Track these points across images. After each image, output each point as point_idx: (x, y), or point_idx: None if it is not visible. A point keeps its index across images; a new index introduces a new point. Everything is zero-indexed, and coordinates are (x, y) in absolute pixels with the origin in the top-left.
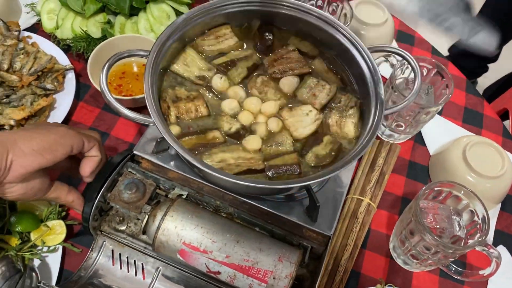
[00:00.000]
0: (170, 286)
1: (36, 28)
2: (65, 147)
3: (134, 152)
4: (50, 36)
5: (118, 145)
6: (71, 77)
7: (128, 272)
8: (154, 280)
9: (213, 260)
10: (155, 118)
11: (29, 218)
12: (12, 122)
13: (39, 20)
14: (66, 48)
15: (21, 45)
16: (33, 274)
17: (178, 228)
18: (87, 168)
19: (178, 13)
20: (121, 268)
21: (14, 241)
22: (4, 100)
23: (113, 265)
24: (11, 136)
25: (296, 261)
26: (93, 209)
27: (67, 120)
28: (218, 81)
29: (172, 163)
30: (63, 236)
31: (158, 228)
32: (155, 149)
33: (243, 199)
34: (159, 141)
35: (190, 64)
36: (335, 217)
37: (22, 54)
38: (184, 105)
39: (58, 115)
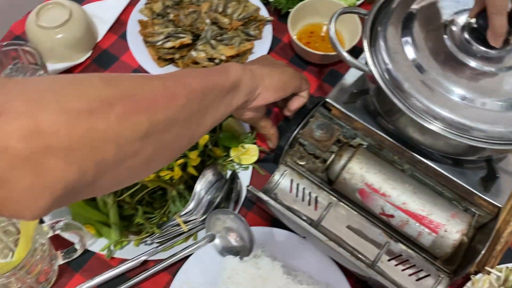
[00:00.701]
0: (338, 219)
1: None
2: (291, 87)
3: (327, 99)
4: None
5: None
6: (268, 28)
7: (303, 201)
8: (325, 212)
9: (390, 203)
10: (372, 67)
11: (232, 137)
12: (223, 57)
13: None
14: (265, 3)
15: None
16: (238, 180)
17: (363, 170)
18: (295, 105)
19: None
20: (296, 196)
21: (220, 153)
22: (218, 38)
23: (290, 192)
24: (260, 72)
25: (468, 221)
26: (290, 141)
27: None
28: None
29: (359, 114)
30: (255, 158)
31: (344, 166)
32: (345, 100)
33: (421, 158)
34: (355, 92)
35: None
36: (507, 192)
37: (234, 1)
38: None
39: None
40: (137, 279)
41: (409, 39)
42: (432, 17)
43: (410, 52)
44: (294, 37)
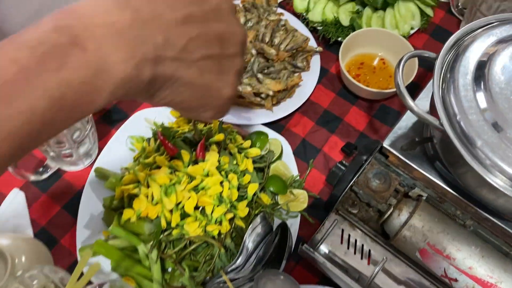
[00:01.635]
0: (393, 276)
1: (282, 5)
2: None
3: (384, 145)
4: (299, 17)
5: (349, 132)
6: (316, 58)
7: (355, 254)
8: (379, 268)
9: (454, 267)
10: (446, 125)
11: (279, 182)
12: (270, 93)
13: None
14: (311, 30)
15: (282, 22)
16: (288, 234)
17: (425, 228)
18: None
19: (422, 13)
20: (348, 249)
21: (268, 200)
22: (265, 71)
23: (341, 243)
24: (169, 70)
25: None
26: (344, 192)
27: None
28: None
29: (419, 163)
30: (304, 205)
31: (405, 223)
32: (404, 146)
33: (487, 215)
34: (417, 140)
35: None
36: None
37: (282, 30)
38: None
39: (303, 93)
40: None
41: (483, 90)
42: (509, 67)
43: (483, 104)
44: (345, 71)
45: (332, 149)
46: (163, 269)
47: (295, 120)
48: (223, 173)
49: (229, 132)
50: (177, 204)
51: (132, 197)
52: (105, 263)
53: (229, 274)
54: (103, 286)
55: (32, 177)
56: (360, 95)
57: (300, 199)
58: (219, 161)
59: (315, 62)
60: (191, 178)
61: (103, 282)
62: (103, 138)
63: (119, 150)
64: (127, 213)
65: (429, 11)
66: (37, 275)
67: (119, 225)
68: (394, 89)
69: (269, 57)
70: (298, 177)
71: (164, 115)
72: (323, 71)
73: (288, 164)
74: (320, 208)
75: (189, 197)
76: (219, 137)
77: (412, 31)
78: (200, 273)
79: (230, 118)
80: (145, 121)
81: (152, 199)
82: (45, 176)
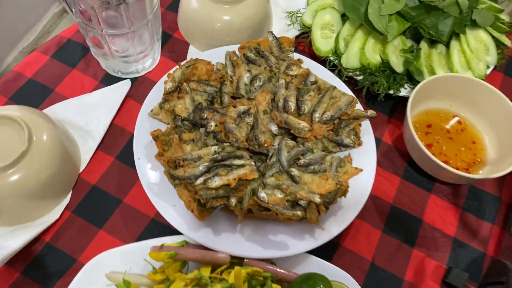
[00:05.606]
0: None
1: (295, 46)
2: None
3: None
4: (325, 62)
5: (435, 241)
6: (366, 128)
7: None
8: None
9: None
10: None
11: None
12: (316, 199)
13: (304, 34)
14: (346, 81)
15: (312, 78)
16: None
17: None
18: None
19: (499, 44)
20: None
21: None
22: (301, 162)
23: None
24: None
25: None
26: None
27: None
28: None
29: None
30: None
31: None
32: None
33: None
34: None
35: None
36: None
37: (313, 90)
38: None
39: (359, 185)
40: None
41: None
42: None
43: None
44: (421, 144)
45: (419, 275)
46: None
47: (352, 231)
48: None
49: (259, 279)
50: None
51: None
52: None
53: None
54: None
55: None
56: (438, 177)
57: None
58: None
59: (366, 132)
60: None
61: None
62: None
63: None
64: None
65: (505, 40)
66: None
67: None
68: (499, 174)
69: (299, 134)
70: None
71: (137, 257)
72: (377, 142)
73: None
74: None
75: None
76: None
77: (488, 70)
78: None
79: (251, 249)
80: (107, 278)
81: None
82: None
